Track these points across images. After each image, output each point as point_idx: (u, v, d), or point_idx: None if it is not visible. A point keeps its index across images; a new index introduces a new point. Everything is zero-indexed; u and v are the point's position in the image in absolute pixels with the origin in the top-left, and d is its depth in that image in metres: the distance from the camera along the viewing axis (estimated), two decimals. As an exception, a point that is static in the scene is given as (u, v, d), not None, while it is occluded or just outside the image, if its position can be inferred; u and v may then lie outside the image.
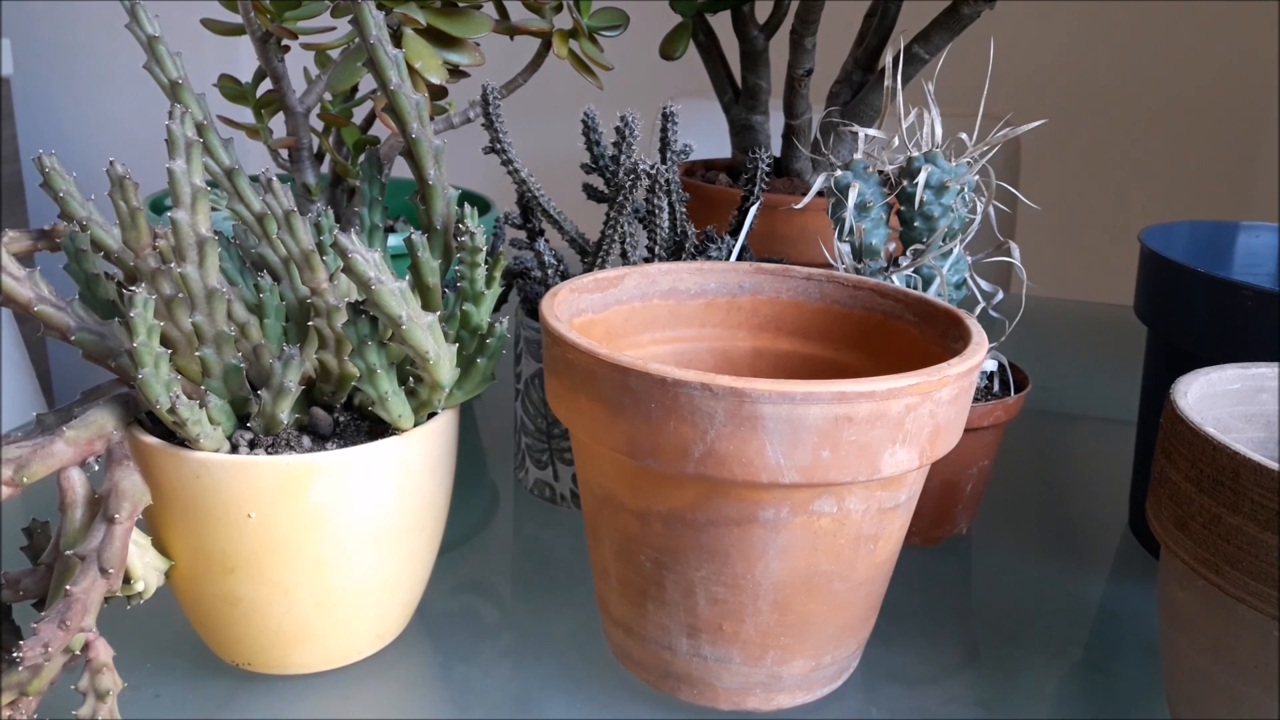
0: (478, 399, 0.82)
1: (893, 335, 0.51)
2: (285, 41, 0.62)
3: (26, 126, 1.69)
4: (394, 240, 0.68)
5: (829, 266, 0.57)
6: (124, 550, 0.41)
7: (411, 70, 0.57)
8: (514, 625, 0.53)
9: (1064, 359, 0.99)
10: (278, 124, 0.67)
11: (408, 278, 0.44)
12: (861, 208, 0.57)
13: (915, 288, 0.57)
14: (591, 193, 0.66)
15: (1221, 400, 0.45)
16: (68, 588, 0.39)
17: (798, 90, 0.79)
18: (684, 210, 0.60)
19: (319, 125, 0.67)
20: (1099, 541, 0.64)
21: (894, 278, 0.56)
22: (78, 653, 0.41)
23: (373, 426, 0.47)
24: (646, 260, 0.60)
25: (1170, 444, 0.40)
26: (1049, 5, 1.70)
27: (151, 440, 0.43)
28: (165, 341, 0.43)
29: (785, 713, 0.46)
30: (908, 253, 0.57)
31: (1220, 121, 1.73)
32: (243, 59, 0.77)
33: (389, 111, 0.47)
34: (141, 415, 0.45)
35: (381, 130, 0.69)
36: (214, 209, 0.60)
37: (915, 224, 0.57)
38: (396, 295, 0.41)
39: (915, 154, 0.56)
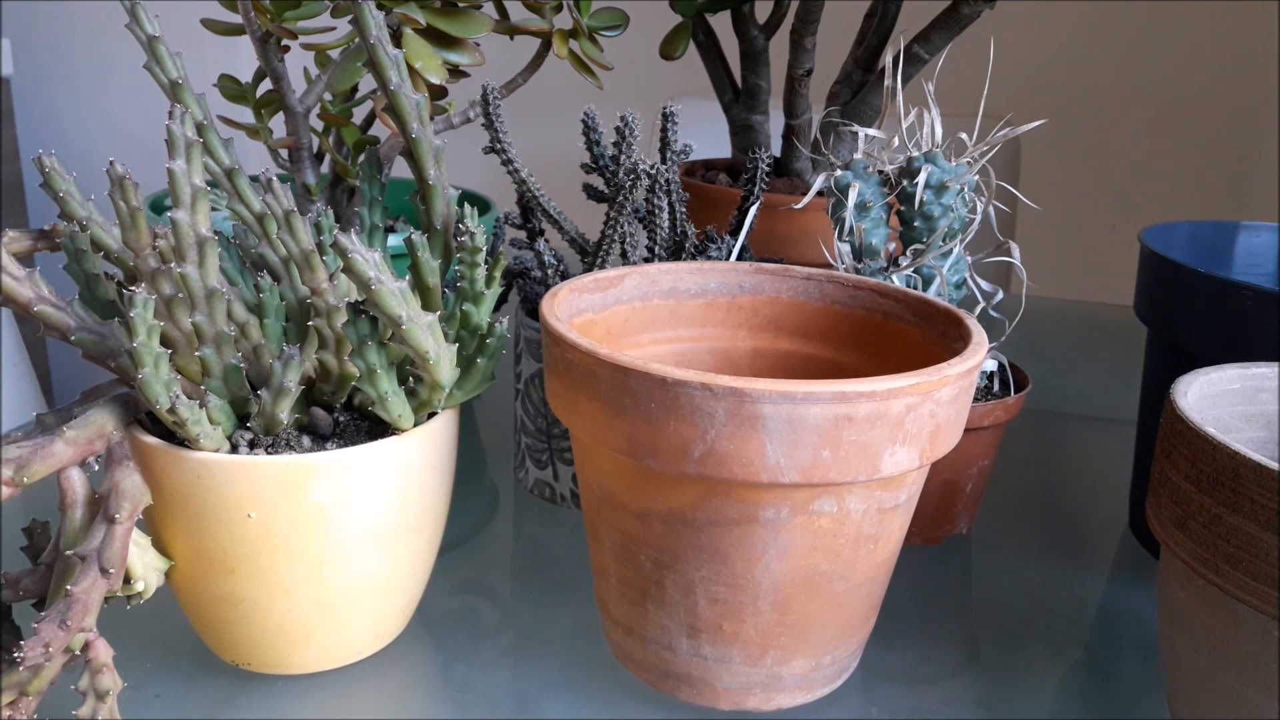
0: (478, 399, 0.82)
1: (893, 335, 0.51)
2: (285, 41, 0.62)
3: (26, 126, 1.69)
4: (394, 240, 0.68)
5: (829, 266, 0.57)
6: (124, 550, 0.41)
7: (411, 70, 0.57)
8: (514, 625, 0.53)
9: (1064, 359, 0.99)
10: (278, 124, 0.67)
11: (408, 278, 0.44)
12: (861, 208, 0.57)
13: (915, 288, 0.57)
14: (591, 193, 0.66)
15: (1221, 400, 0.45)
16: (68, 588, 0.39)
17: (798, 90, 0.79)
18: (684, 210, 0.60)
19: (319, 125, 0.67)
20: (1099, 541, 0.64)
21: (894, 278, 0.56)
22: (78, 653, 0.41)
23: (373, 426, 0.47)
24: (646, 260, 0.60)
25: (1170, 444, 0.40)
26: (1049, 5, 1.70)
27: (151, 440, 0.43)
28: (165, 341, 0.43)
29: (785, 713, 0.46)
30: (908, 253, 0.57)
31: (1220, 121, 1.73)
32: (243, 59, 0.77)
33: (389, 111, 0.47)
34: (141, 415, 0.45)
35: (381, 130, 0.69)
36: (214, 209, 0.60)
37: (915, 224, 0.57)
38: (396, 295, 0.41)
39: (915, 154, 0.56)
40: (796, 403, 0.37)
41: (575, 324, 0.49)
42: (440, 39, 0.60)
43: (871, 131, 0.58)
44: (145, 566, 0.44)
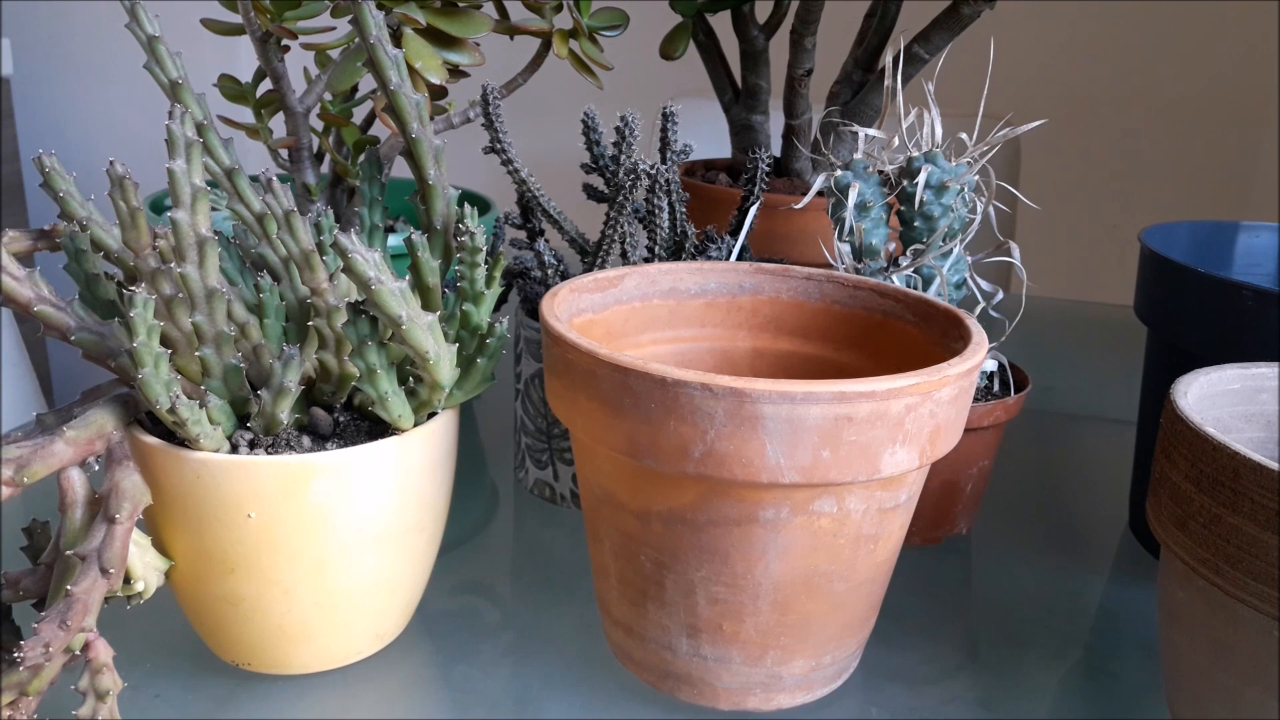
0: (478, 399, 0.82)
1: (893, 335, 0.51)
2: (285, 41, 0.62)
3: (26, 126, 1.69)
4: (394, 240, 0.68)
5: (829, 266, 0.57)
6: (124, 550, 0.41)
7: (411, 70, 0.57)
8: (514, 625, 0.53)
9: (1064, 359, 0.99)
10: (278, 124, 0.67)
11: (408, 278, 0.44)
12: (861, 208, 0.57)
13: (915, 288, 0.57)
14: (591, 193, 0.66)
15: (1221, 400, 0.45)
16: (68, 588, 0.39)
17: (798, 90, 0.79)
18: (684, 210, 0.60)
19: (319, 125, 0.67)
20: (1099, 541, 0.64)
21: (894, 278, 0.56)
22: (78, 653, 0.41)
23: (373, 426, 0.47)
24: (646, 260, 0.60)
25: (1170, 444, 0.40)
26: (1049, 5, 1.70)
27: (151, 440, 0.43)
28: (165, 341, 0.43)
29: (785, 713, 0.46)
30: (908, 253, 0.57)
31: (1220, 121, 1.73)
32: (243, 59, 0.77)
33: (389, 111, 0.47)
34: (141, 415, 0.45)
35: (381, 130, 0.69)
36: (214, 209, 0.60)
37: (915, 224, 0.57)
38: (396, 295, 0.41)
39: (915, 154, 0.56)
40: (796, 403, 0.37)
41: (575, 324, 0.49)
42: (440, 39, 0.60)
43: (871, 131, 0.58)
44: (145, 566, 0.44)
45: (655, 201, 0.58)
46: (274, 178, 0.45)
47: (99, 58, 1.73)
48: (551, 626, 0.53)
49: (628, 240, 0.58)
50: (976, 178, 0.57)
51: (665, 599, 0.44)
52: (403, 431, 0.46)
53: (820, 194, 0.60)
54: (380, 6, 0.58)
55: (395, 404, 0.45)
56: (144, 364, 0.40)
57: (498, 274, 0.47)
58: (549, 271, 0.60)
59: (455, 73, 0.62)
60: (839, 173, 0.57)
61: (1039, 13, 1.69)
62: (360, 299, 0.43)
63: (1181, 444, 0.39)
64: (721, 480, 0.39)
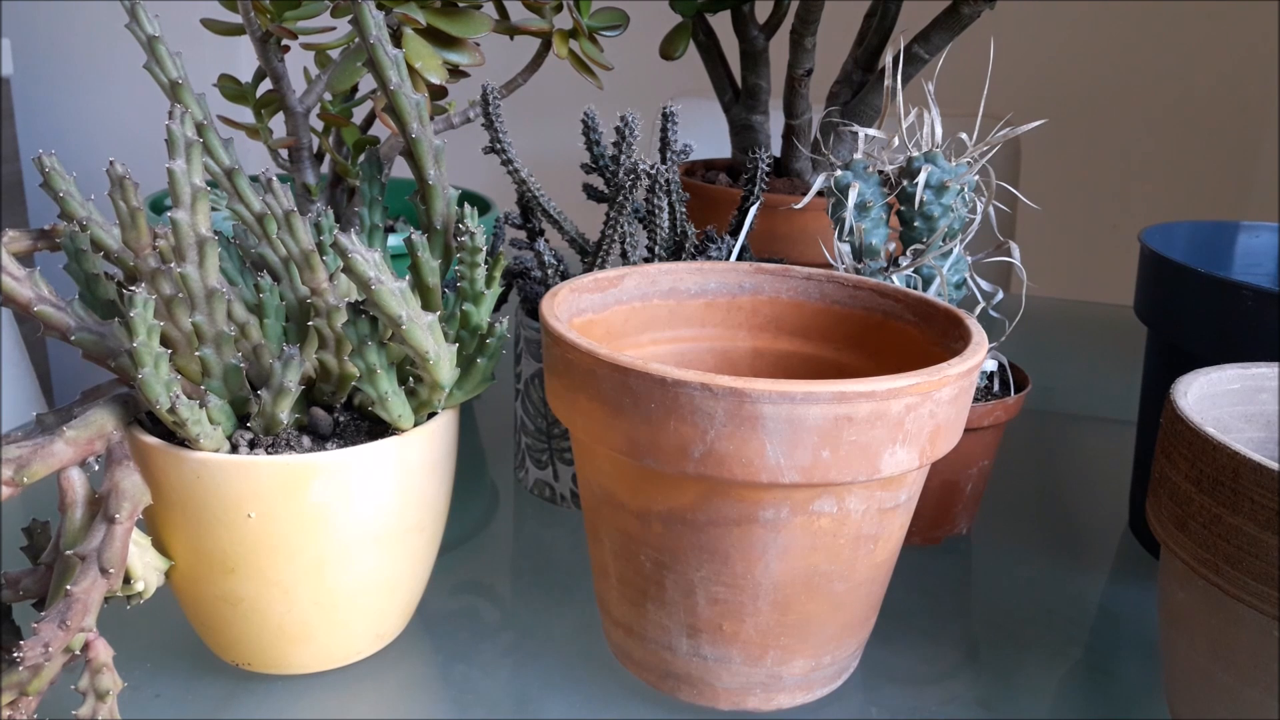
0: (478, 399, 0.82)
1: (893, 335, 0.51)
2: (285, 41, 0.62)
3: (26, 126, 1.69)
4: (394, 240, 0.68)
5: (829, 266, 0.57)
6: (124, 550, 0.41)
7: (411, 70, 0.57)
8: (514, 625, 0.53)
9: (1064, 359, 0.99)
10: (278, 124, 0.67)
11: (408, 278, 0.44)
12: (861, 208, 0.57)
13: (915, 288, 0.57)
14: (591, 193, 0.66)
15: (1221, 400, 0.45)
16: (68, 588, 0.39)
17: (798, 90, 0.79)
18: (684, 210, 0.60)
19: (319, 125, 0.67)
20: (1099, 541, 0.64)
21: (894, 278, 0.56)
22: (78, 653, 0.41)
23: (373, 426, 0.47)
24: (646, 260, 0.60)
25: (1170, 444, 0.40)
26: (1049, 5, 1.70)
27: (151, 440, 0.43)
28: (165, 341, 0.43)
29: (785, 713, 0.46)
30: (908, 253, 0.57)
31: (1220, 121, 1.73)
32: (243, 59, 0.77)
33: (389, 111, 0.47)
34: (141, 415, 0.45)
35: (381, 130, 0.69)
36: (214, 209, 0.60)
37: (915, 224, 0.57)
38: (396, 295, 0.41)
39: (915, 154, 0.56)
40: (796, 403, 0.37)
41: (575, 324, 0.49)
42: (440, 39, 0.60)
43: (871, 131, 0.58)
44: (145, 566, 0.44)
45: (655, 201, 0.58)
46: (274, 178, 0.45)
47: (99, 58, 1.73)
48: (551, 626, 0.53)
49: (628, 240, 0.58)
50: (976, 178, 0.57)
51: (665, 599, 0.44)
52: (403, 431, 0.46)
53: (820, 194, 0.60)
54: (380, 6, 0.58)
55: (395, 404, 0.45)
56: (144, 364, 0.40)
57: (498, 274, 0.47)
58: (549, 271, 0.60)
59: (455, 73, 0.62)
60: (839, 173, 0.57)
61: (1039, 13, 1.69)
62: (360, 299, 0.43)
63: (1181, 444, 0.39)
64: (721, 480, 0.39)
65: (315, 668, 0.48)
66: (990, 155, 0.56)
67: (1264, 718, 0.37)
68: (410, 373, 0.46)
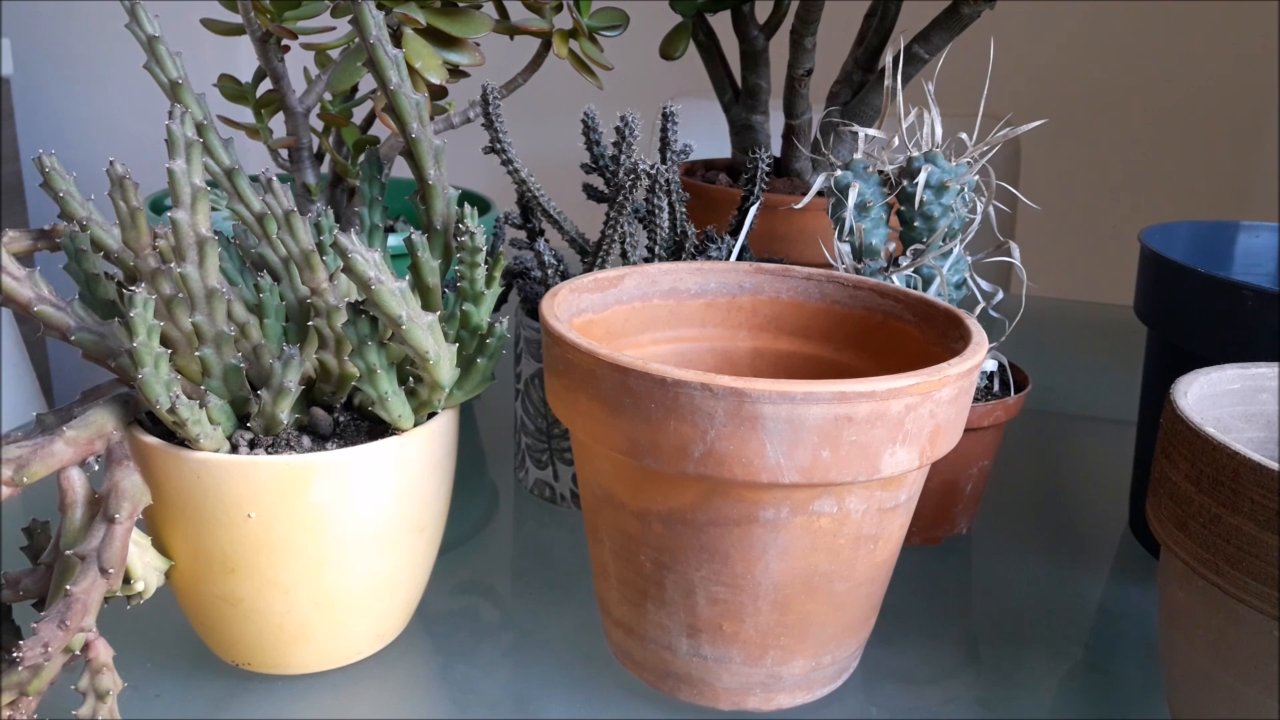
0: (478, 399, 0.82)
1: (893, 335, 0.51)
2: (285, 41, 0.62)
3: (26, 126, 1.69)
4: (394, 240, 0.68)
5: (829, 266, 0.57)
6: (124, 550, 0.41)
7: (411, 70, 0.57)
8: (514, 625, 0.53)
9: (1064, 359, 0.99)
10: (278, 124, 0.67)
11: (408, 278, 0.44)
12: (861, 208, 0.57)
13: (915, 288, 0.57)
14: (591, 193, 0.66)
15: (1221, 400, 0.45)
16: (68, 588, 0.39)
17: (798, 90, 0.79)
18: (684, 210, 0.60)
19: (319, 125, 0.67)
20: (1099, 541, 0.64)
21: (894, 278, 0.56)
22: (78, 653, 0.41)
23: (373, 426, 0.47)
24: (646, 260, 0.60)
25: (1170, 444, 0.40)
26: (1049, 5, 1.70)
27: (151, 440, 0.43)
28: (165, 341, 0.43)
29: (785, 713, 0.46)
30: (908, 253, 0.57)
31: (1220, 122, 1.73)
32: (243, 59, 0.77)
33: (389, 111, 0.47)
34: (141, 415, 0.45)
35: (381, 130, 0.69)
36: (214, 209, 0.60)
37: (915, 224, 0.57)
38: (396, 295, 0.41)
39: (915, 154, 0.56)
40: (796, 403, 0.37)
41: (575, 324, 0.49)
42: (440, 39, 0.60)
43: (871, 131, 0.58)
44: (145, 566, 0.44)
45: (655, 201, 0.58)
46: (274, 178, 0.45)
47: (99, 58, 1.73)
48: (551, 626, 0.53)
49: (628, 240, 0.58)
50: (976, 178, 0.57)
51: (665, 599, 0.44)
52: (403, 431, 0.46)
53: (820, 194, 0.60)
54: (380, 6, 0.58)
55: (395, 404, 0.45)
56: (144, 364, 0.40)
57: (498, 274, 0.47)
58: (549, 271, 0.60)
59: (455, 73, 0.62)
60: (839, 173, 0.57)
61: (1039, 13, 1.69)
62: (360, 299, 0.43)
63: (1181, 444, 0.39)
64: (721, 480, 0.39)
65: (315, 668, 0.48)
66: (990, 155, 0.56)
67: (1264, 718, 0.37)
68: (410, 373, 0.46)
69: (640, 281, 0.53)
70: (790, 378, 0.38)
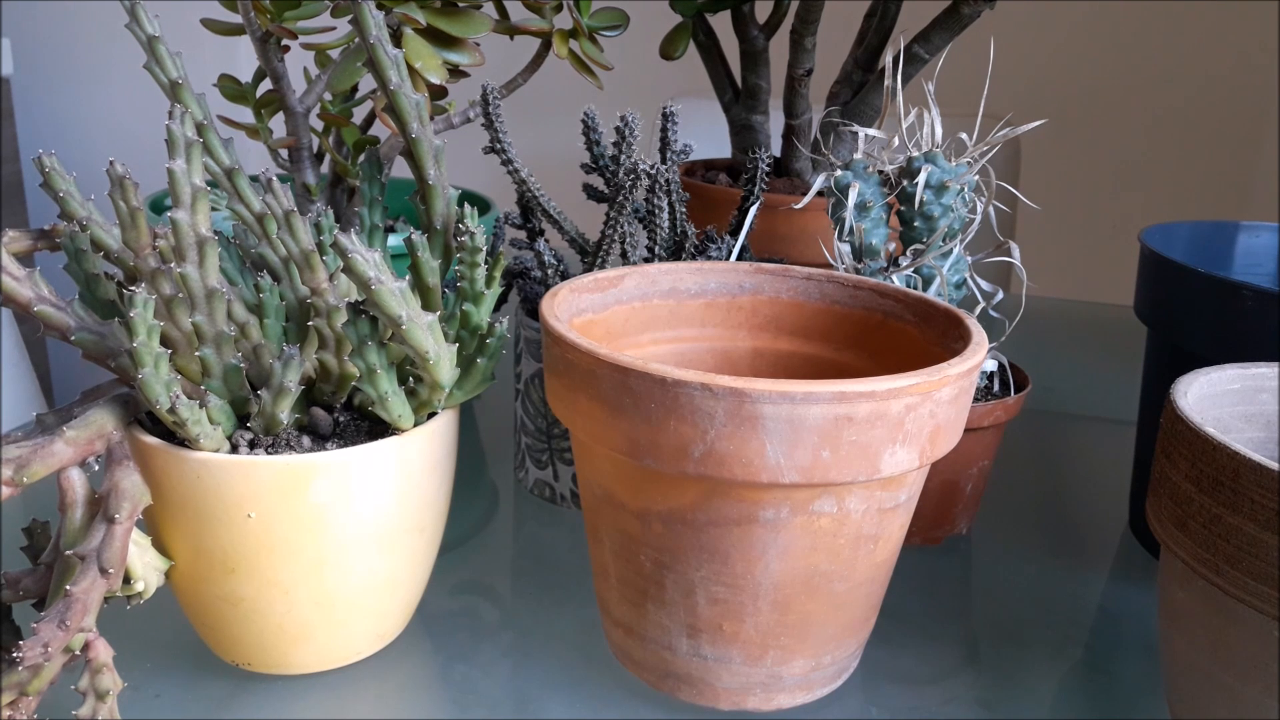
0: (478, 399, 0.82)
1: (893, 335, 0.51)
2: (285, 41, 0.62)
3: (26, 126, 1.69)
4: (394, 240, 0.68)
5: (829, 266, 0.57)
6: (124, 550, 0.41)
7: (411, 70, 0.57)
8: (514, 625, 0.53)
9: (1064, 359, 0.99)
10: (278, 124, 0.67)
11: (408, 278, 0.44)
12: (861, 208, 0.57)
13: (915, 288, 0.57)
14: (591, 193, 0.66)
15: (1221, 400, 0.45)
16: (68, 588, 0.39)
17: (798, 90, 0.79)
18: (684, 210, 0.60)
19: (319, 125, 0.67)
20: (1099, 541, 0.64)
21: (894, 278, 0.56)
22: (78, 653, 0.41)
23: (373, 426, 0.47)
24: (646, 260, 0.60)
25: (1170, 444, 0.40)
26: (1049, 5, 1.70)
27: (151, 440, 0.43)
28: (165, 341, 0.43)
29: (785, 713, 0.46)
30: (908, 253, 0.57)
31: (1220, 122, 1.73)
32: (243, 59, 0.77)
33: (389, 111, 0.47)
34: (141, 415, 0.45)
35: (381, 130, 0.69)
36: (214, 209, 0.60)
37: (915, 224, 0.57)
38: (396, 295, 0.41)
39: (915, 154, 0.56)
40: (796, 403, 0.37)
41: (575, 324, 0.49)
42: (440, 39, 0.60)
43: (871, 131, 0.58)
44: (145, 566, 0.44)
45: (655, 201, 0.58)
46: (274, 178, 0.45)
47: (99, 58, 1.73)
48: (551, 626, 0.53)
49: (628, 240, 0.58)
50: (976, 178, 0.57)
51: (665, 599, 0.44)
52: (403, 431, 0.46)
53: (820, 194, 0.60)
54: (380, 6, 0.58)
55: (395, 404, 0.45)
56: (144, 364, 0.40)
57: (498, 274, 0.47)
58: (549, 271, 0.60)
59: (455, 73, 0.62)
60: (839, 173, 0.57)
61: (1039, 13, 1.69)
62: (360, 299, 0.43)
63: (1181, 444, 0.39)
64: (721, 480, 0.39)
65: (315, 668, 0.48)
66: (990, 155, 0.56)
67: (1264, 718, 0.37)
68: (410, 373, 0.46)
69: (640, 281, 0.53)
70: (790, 378, 0.38)
